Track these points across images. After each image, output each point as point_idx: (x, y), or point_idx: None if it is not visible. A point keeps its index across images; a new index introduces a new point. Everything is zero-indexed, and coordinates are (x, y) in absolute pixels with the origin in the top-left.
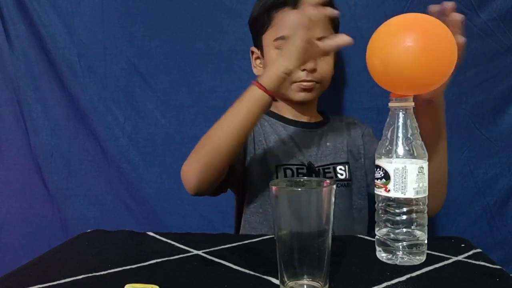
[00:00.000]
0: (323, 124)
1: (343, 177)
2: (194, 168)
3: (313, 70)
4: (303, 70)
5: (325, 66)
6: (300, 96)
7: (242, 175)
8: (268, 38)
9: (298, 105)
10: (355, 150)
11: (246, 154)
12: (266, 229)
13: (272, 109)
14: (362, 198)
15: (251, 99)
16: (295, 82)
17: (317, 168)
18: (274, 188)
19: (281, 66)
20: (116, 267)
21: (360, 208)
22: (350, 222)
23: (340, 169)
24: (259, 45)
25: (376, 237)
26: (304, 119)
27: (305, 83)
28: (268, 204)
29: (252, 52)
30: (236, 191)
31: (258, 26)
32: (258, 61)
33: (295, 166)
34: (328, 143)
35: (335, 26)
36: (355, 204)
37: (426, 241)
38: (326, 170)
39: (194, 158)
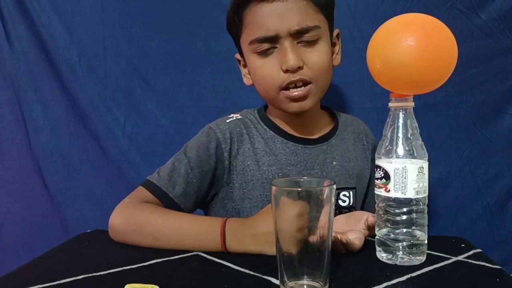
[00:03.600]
0: (329, 136)
1: (345, 204)
2: (121, 237)
3: (298, 68)
4: (286, 71)
5: (314, 58)
6: (294, 107)
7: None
8: (244, 42)
9: (294, 116)
10: (362, 174)
11: (219, 188)
12: None
13: (270, 115)
14: None
15: (206, 240)
16: (282, 89)
17: None
18: (274, 188)
19: (257, 248)
20: (116, 267)
21: None
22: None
23: (344, 195)
24: (241, 52)
25: (376, 237)
26: (304, 130)
27: (295, 92)
28: None
29: (239, 61)
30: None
31: (233, 30)
32: (246, 70)
33: None
34: (334, 162)
35: (325, 9)
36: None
37: (426, 241)
38: None
39: (126, 231)
